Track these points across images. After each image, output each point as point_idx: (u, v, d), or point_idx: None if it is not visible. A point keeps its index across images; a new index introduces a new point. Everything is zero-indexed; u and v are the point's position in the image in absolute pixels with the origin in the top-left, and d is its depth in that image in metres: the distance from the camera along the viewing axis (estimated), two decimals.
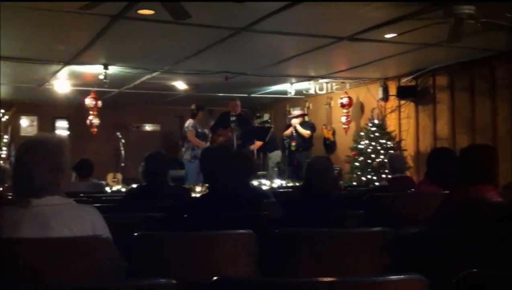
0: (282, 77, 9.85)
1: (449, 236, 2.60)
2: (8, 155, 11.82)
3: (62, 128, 13.01)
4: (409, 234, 2.61)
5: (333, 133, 11.60)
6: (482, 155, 3.33)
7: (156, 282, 1.56)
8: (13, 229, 2.22)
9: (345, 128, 10.65)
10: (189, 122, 9.38)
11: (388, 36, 6.65)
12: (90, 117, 9.99)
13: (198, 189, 6.84)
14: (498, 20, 5.45)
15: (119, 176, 11.50)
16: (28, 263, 2.15)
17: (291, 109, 11.56)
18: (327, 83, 10.46)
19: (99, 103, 9.82)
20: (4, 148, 12.04)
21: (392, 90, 10.07)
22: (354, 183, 9.45)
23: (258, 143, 9.80)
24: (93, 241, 2.29)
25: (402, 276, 1.62)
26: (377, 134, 9.82)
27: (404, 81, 9.82)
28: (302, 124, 10.62)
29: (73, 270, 2.19)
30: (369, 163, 9.67)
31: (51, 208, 2.26)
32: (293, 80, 10.20)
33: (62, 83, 9.64)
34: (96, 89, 9.65)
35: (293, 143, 10.37)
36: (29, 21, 5.90)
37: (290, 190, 6.78)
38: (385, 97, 10.23)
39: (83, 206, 2.42)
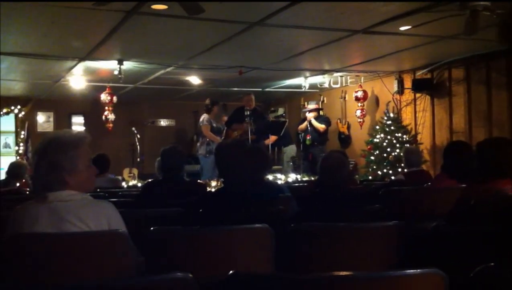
0: (296, 71, 9.82)
1: (466, 232, 2.58)
2: (25, 151, 11.95)
3: (78, 124, 13.10)
4: (425, 229, 2.60)
5: (348, 127, 11.55)
6: (499, 148, 3.29)
7: (173, 277, 1.57)
8: (31, 224, 2.25)
9: (360, 122, 10.59)
10: (203, 117, 9.40)
11: (403, 28, 6.60)
12: (106, 112, 10.05)
13: (213, 183, 6.86)
14: None
15: (135, 171, 11.58)
16: (47, 257, 2.17)
17: (306, 103, 11.54)
18: (341, 76, 10.41)
19: (115, 98, 9.87)
20: (21, 144, 12.18)
21: (408, 83, 10.00)
22: (370, 177, 9.41)
23: (273, 138, 9.80)
24: (111, 236, 2.30)
25: (419, 271, 1.61)
26: (392, 128, 9.75)
27: (419, 74, 9.74)
28: (318, 118, 10.59)
29: (91, 265, 2.21)
30: (384, 156, 9.61)
31: (68, 203, 2.29)
32: (307, 74, 10.17)
33: (77, 79, 9.70)
34: (111, 84, 9.69)
35: (308, 138, 10.35)
36: (44, 17, 5.94)
37: (305, 184, 6.78)
38: (401, 91, 10.15)
39: (99, 201, 2.44)
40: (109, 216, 2.36)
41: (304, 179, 8.43)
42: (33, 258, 2.16)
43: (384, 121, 9.93)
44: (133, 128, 11.82)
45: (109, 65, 8.42)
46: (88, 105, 12.41)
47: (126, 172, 11.56)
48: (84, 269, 2.19)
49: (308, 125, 10.47)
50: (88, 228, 2.27)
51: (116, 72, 8.30)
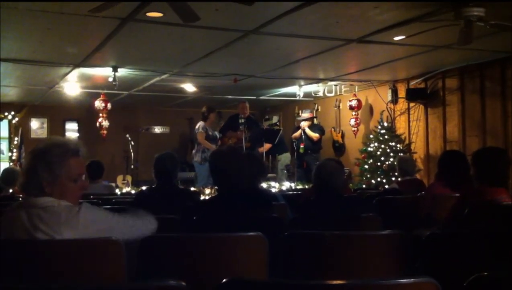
0: (291, 80, 9.83)
1: (462, 238, 2.58)
2: (19, 157, 11.90)
3: (72, 130, 13.06)
4: (421, 237, 2.59)
5: (342, 136, 11.57)
6: (495, 157, 3.31)
7: (166, 284, 1.56)
8: (11, 230, 2.24)
9: (354, 130, 10.62)
10: (199, 124, 9.38)
11: (397, 38, 6.63)
12: (100, 119, 10.02)
13: (207, 191, 6.85)
14: (508, 22, 5.42)
15: (129, 178, 11.55)
16: (33, 264, 2.16)
17: (300, 111, 11.56)
18: (336, 85, 10.44)
19: (109, 105, 9.85)
20: (14, 150, 12.13)
21: (402, 92, 10.03)
22: (364, 186, 9.41)
23: (267, 146, 9.80)
24: (102, 243, 2.29)
25: (413, 280, 1.61)
26: (386, 136, 9.77)
27: (413, 83, 9.78)
28: (312, 127, 10.60)
29: (82, 272, 2.20)
30: (378, 165, 9.62)
31: (43, 211, 2.26)
32: (302, 82, 10.19)
33: (72, 85, 9.68)
34: (105, 91, 9.68)
35: (302, 146, 10.35)
36: (40, 24, 5.94)
37: (300, 192, 6.77)
38: (395, 100, 10.19)
39: (74, 207, 2.33)
40: (85, 220, 2.29)
41: (298, 187, 8.42)
42: (16, 264, 2.15)
43: (378, 130, 9.95)
44: (127, 135, 11.80)
45: (104, 72, 8.41)
46: (82, 111, 12.37)
47: (120, 178, 11.53)
48: (76, 275, 2.17)
49: (302, 134, 10.49)
50: (60, 236, 2.23)
51: (110, 79, 8.29)
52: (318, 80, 10.02)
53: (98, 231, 2.30)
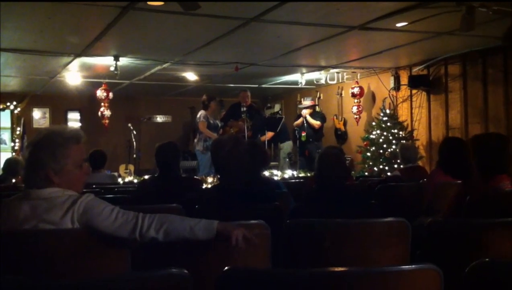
0: (292, 68, 9.81)
1: (463, 226, 2.58)
2: (21, 147, 11.92)
3: (74, 120, 13.07)
4: (423, 224, 2.60)
5: (345, 124, 11.55)
6: (497, 145, 3.30)
7: (169, 272, 1.57)
8: (13, 221, 2.22)
9: (356, 118, 10.60)
10: (201, 113, 9.37)
11: (399, 25, 6.60)
12: (102, 109, 10.03)
13: (209, 180, 6.86)
14: (510, 7, 5.39)
15: (131, 167, 11.56)
16: (38, 256, 2.16)
17: (302, 99, 11.54)
18: (338, 73, 10.41)
19: (111, 95, 9.85)
20: (17, 140, 12.15)
21: (404, 79, 10.01)
22: (366, 173, 9.42)
23: (270, 134, 9.79)
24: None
25: (414, 266, 1.61)
26: (388, 124, 9.76)
27: (416, 70, 9.74)
28: (313, 114, 10.59)
29: (86, 262, 2.20)
30: (381, 153, 9.62)
31: (47, 202, 2.24)
32: (304, 70, 10.16)
33: (73, 75, 9.67)
34: (107, 81, 9.68)
35: (303, 134, 10.35)
36: (40, 13, 5.92)
37: (302, 180, 6.78)
38: (397, 87, 10.16)
39: (79, 197, 2.30)
40: (89, 213, 2.25)
41: (301, 175, 8.43)
42: (31, 254, 2.16)
43: (381, 117, 9.93)
44: (129, 125, 11.80)
45: (105, 61, 8.40)
46: (84, 101, 12.38)
47: (122, 168, 11.55)
48: (78, 268, 2.18)
49: (304, 122, 10.48)
50: (64, 226, 2.21)
51: (112, 68, 8.28)
52: (320, 68, 9.99)
53: (92, 219, 2.25)
